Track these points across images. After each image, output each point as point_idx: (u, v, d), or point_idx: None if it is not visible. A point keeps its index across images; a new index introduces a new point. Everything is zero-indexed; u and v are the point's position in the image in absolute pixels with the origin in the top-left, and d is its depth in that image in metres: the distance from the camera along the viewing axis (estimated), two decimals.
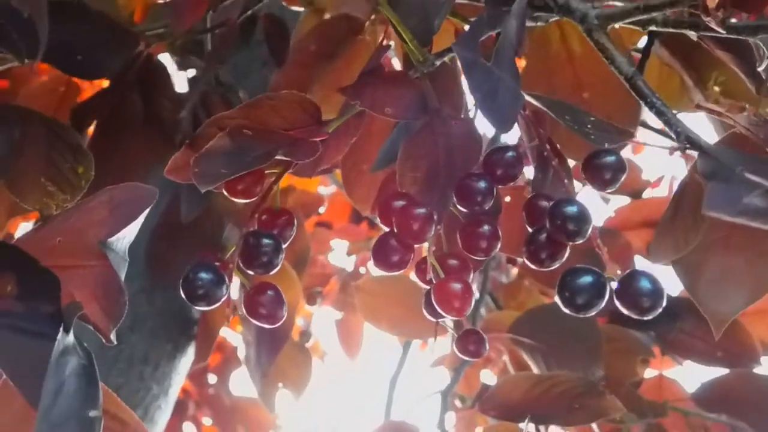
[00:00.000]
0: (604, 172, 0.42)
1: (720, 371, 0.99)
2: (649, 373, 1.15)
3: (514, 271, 1.17)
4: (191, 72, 0.97)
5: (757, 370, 1.00)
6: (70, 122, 0.82)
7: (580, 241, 0.40)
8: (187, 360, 0.97)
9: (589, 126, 0.48)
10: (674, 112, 0.47)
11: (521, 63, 0.88)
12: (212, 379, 1.73)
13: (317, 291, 1.45)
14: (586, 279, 0.38)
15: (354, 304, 1.07)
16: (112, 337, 0.46)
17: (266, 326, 0.45)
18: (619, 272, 0.38)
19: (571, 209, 0.39)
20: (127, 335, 0.92)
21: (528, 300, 1.08)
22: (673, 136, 0.46)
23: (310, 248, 1.05)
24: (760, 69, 0.54)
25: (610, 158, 0.42)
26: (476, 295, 1.04)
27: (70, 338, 0.46)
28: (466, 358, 0.50)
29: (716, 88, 0.78)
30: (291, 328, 0.88)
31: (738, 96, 0.75)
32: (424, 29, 0.49)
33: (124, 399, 0.89)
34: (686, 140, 0.45)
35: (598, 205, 1.39)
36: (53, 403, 0.43)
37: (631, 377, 0.80)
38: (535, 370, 0.78)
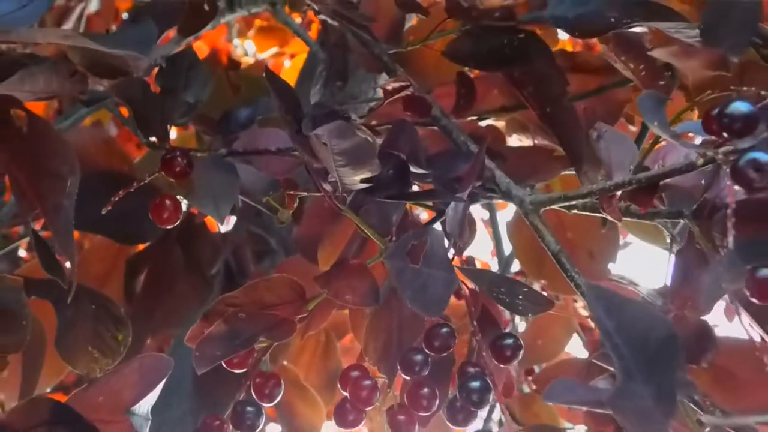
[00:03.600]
0: (504, 352, 0.53)
1: None
2: None
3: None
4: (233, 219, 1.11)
5: None
6: (125, 271, 0.97)
7: (485, 408, 0.51)
8: None
9: (520, 297, 0.60)
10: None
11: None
12: None
13: None
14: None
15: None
16: None
17: None
18: None
19: (475, 384, 0.51)
20: None
21: (541, 411, 1.18)
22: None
23: (341, 367, 1.17)
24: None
25: (509, 341, 0.53)
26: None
27: None
28: None
29: None
30: None
31: None
32: (383, 225, 0.62)
33: None
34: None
35: None
36: None
37: None
38: None
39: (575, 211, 0.66)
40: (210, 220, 1.01)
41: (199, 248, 0.97)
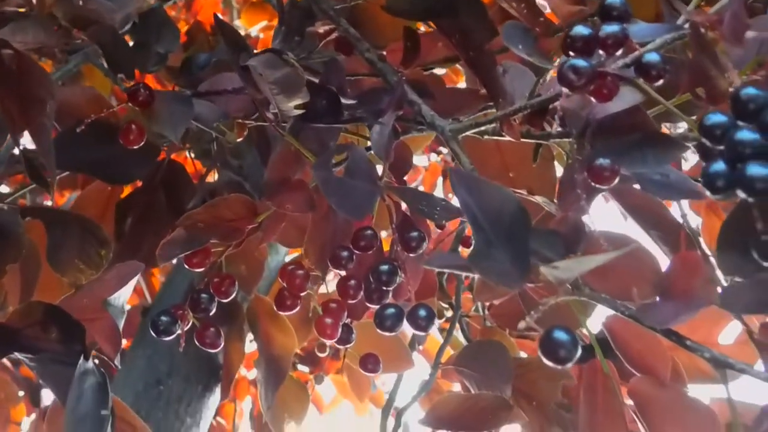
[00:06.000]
0: (411, 243, 0.65)
1: None
2: None
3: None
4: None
5: None
6: (115, 214, 1.08)
7: (392, 288, 0.63)
8: (215, 398, 1.22)
9: (438, 209, 0.71)
10: None
11: None
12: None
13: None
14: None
15: None
16: (116, 361, 0.70)
17: (210, 350, 0.68)
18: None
19: (384, 268, 0.62)
20: (165, 379, 1.17)
21: (501, 341, 1.30)
22: None
23: (316, 307, 1.28)
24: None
25: (414, 234, 0.65)
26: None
27: (89, 364, 0.70)
28: None
29: None
30: (287, 370, 1.11)
31: None
32: (320, 149, 0.73)
33: (163, 430, 1.14)
34: None
35: None
36: (76, 405, 0.66)
37: (555, 397, 1.01)
38: (471, 391, 0.99)
39: (486, 136, 0.77)
40: (190, 169, 1.12)
41: (180, 192, 1.08)
